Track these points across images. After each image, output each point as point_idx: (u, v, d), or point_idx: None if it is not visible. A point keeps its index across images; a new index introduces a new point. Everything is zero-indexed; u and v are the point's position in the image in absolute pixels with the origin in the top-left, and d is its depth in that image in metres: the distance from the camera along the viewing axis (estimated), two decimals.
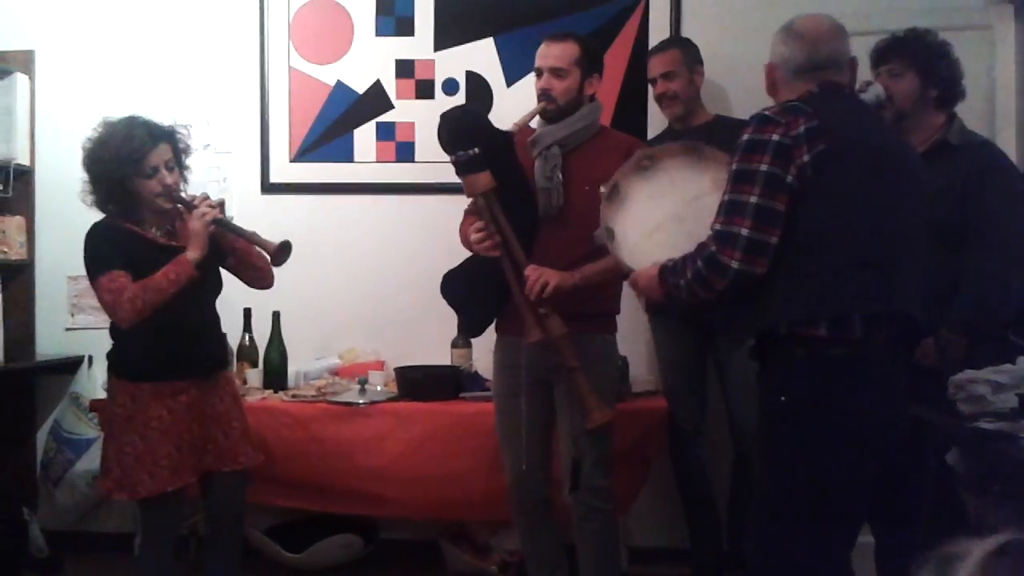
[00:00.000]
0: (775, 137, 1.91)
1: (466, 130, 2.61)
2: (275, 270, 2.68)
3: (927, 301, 2.12)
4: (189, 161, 2.68)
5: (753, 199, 1.90)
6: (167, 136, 2.58)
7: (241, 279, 2.73)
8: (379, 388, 3.23)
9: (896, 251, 2.01)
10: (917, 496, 2.60)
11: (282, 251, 2.58)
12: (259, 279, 2.71)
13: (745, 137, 1.96)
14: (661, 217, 2.24)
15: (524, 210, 2.61)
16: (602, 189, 2.34)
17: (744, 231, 1.90)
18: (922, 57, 2.62)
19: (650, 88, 3.30)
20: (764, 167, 1.90)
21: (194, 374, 2.59)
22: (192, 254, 2.49)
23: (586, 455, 2.60)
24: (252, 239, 2.61)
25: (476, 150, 2.49)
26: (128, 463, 2.52)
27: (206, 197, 2.58)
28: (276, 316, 3.36)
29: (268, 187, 3.67)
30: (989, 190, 2.53)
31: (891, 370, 2.04)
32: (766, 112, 1.97)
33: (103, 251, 2.51)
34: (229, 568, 2.71)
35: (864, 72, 2.64)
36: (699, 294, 1.98)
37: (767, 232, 1.90)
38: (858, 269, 1.95)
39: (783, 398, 1.98)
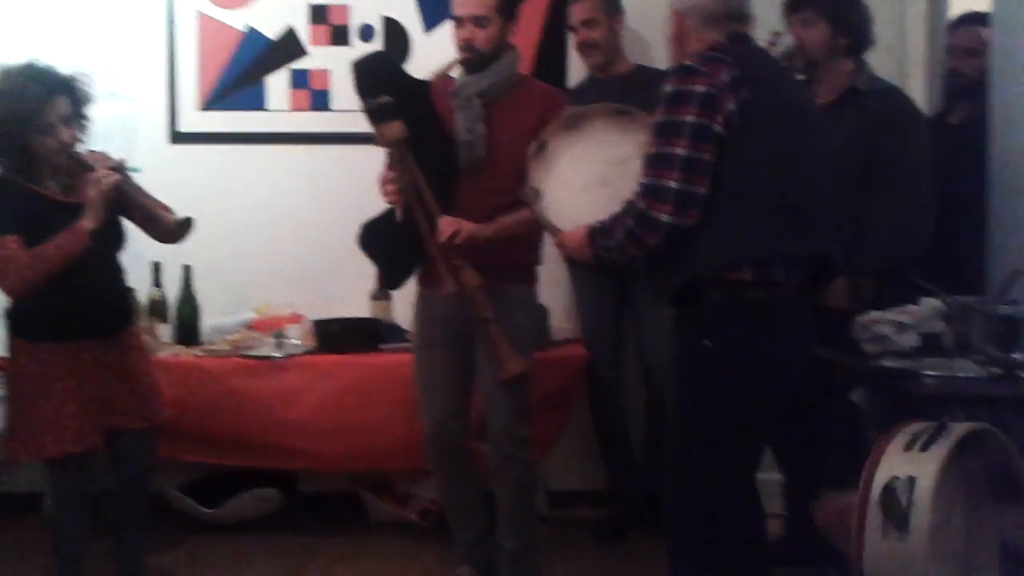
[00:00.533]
0: (700, 88, 1.93)
1: (378, 77, 2.55)
2: None
3: (839, 244, 2.20)
4: (93, 109, 2.56)
5: (681, 151, 1.91)
6: (65, 87, 2.45)
7: (146, 233, 2.62)
8: (296, 341, 3.18)
9: (813, 196, 2.07)
10: (824, 434, 2.69)
11: (180, 228, 2.52)
12: (164, 234, 2.61)
13: (669, 88, 1.96)
14: (587, 179, 2.26)
15: (441, 160, 2.57)
16: (531, 146, 2.34)
17: (673, 184, 1.91)
18: (833, 6, 2.66)
19: (570, 36, 3.27)
20: (691, 118, 1.92)
21: (97, 332, 2.51)
22: (87, 223, 2.39)
23: (500, 407, 2.60)
24: (151, 210, 2.52)
25: (387, 98, 2.44)
26: (33, 424, 2.45)
27: (106, 158, 2.48)
28: (187, 270, 3.26)
29: (177, 137, 3.53)
30: (896, 135, 2.60)
31: (805, 311, 2.13)
32: (688, 63, 1.98)
33: None
34: (137, 524, 2.67)
35: (775, 22, 2.68)
36: (631, 252, 2.01)
37: (696, 183, 1.92)
38: (782, 214, 2.00)
39: (707, 342, 2.01)
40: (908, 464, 1.10)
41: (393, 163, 2.51)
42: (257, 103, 3.50)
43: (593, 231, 2.07)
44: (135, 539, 2.68)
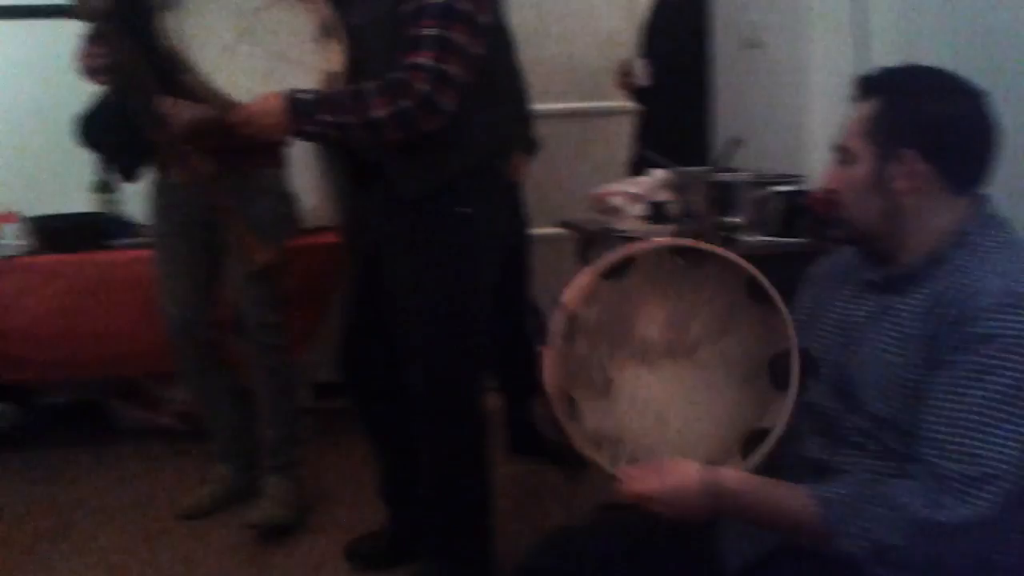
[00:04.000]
0: None
1: None
2: None
3: None
4: None
5: (460, 38, 1.81)
6: None
7: None
8: (12, 241, 2.87)
9: None
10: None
11: None
12: None
13: None
14: (227, 36, 1.97)
15: (154, 34, 2.32)
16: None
17: (457, 71, 1.82)
18: None
19: None
20: (467, 6, 1.82)
21: None
22: None
23: (250, 296, 2.50)
24: None
25: None
26: None
27: None
28: None
29: None
30: None
31: None
32: None
33: None
34: None
35: None
36: (387, 135, 1.84)
37: (468, 74, 1.84)
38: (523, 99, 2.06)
39: (468, 210, 1.97)
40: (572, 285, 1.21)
41: (100, 38, 2.24)
42: None
43: (297, 102, 1.85)
44: None
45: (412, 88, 1.80)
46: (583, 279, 1.22)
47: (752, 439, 1.26)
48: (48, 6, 2.93)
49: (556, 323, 1.21)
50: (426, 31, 1.81)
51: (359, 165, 2.08)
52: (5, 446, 3.07)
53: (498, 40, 1.99)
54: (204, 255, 2.52)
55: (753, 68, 2.65)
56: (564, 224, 2.67)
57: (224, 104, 1.90)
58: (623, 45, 3.29)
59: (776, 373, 1.27)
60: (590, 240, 2.55)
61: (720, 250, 1.23)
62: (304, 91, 1.87)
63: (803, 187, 2.26)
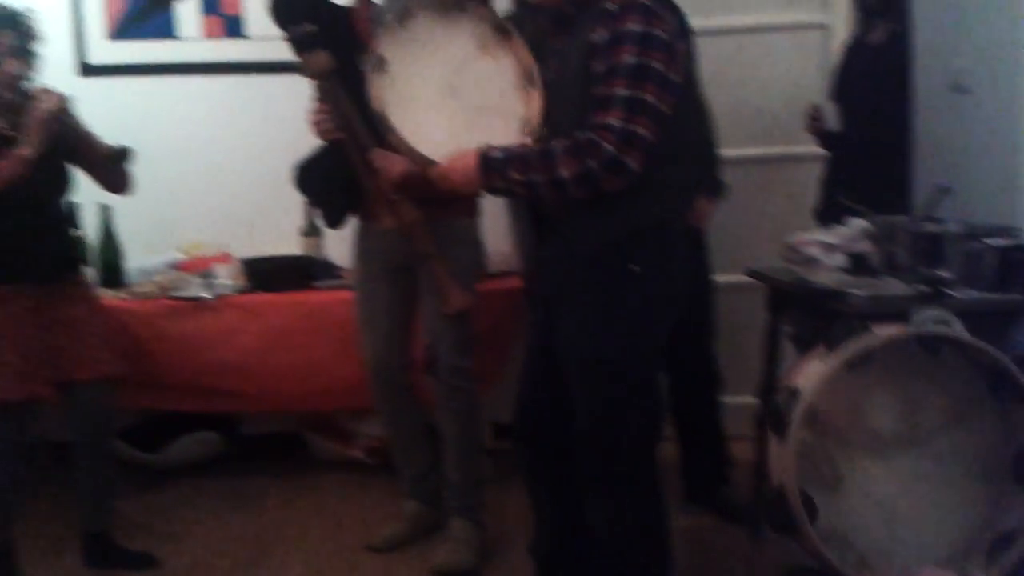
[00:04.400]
0: (663, 34, 1.86)
1: (295, 3, 2.44)
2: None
3: None
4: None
5: (651, 99, 1.83)
6: (8, 22, 2.42)
7: (92, 178, 2.61)
8: (226, 281, 3.10)
9: None
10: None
11: (116, 157, 2.51)
12: (113, 183, 2.60)
13: (637, 29, 1.85)
14: (432, 91, 2.02)
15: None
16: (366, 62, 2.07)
17: (646, 132, 1.82)
18: None
19: None
20: (659, 66, 1.84)
21: (34, 277, 2.48)
22: (26, 151, 2.35)
23: (444, 339, 2.59)
24: (87, 140, 2.51)
25: (311, 27, 2.34)
26: None
27: (47, 91, 2.45)
28: (106, 210, 3.13)
29: (86, 70, 3.37)
30: None
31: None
32: (645, 3, 1.88)
33: None
34: (97, 477, 2.62)
35: None
36: (572, 194, 1.86)
37: (656, 134, 1.84)
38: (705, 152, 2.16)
39: (635, 267, 1.96)
40: (808, 373, 1.13)
41: (322, 96, 2.41)
42: (168, 31, 3.35)
43: (489, 160, 1.90)
44: (96, 492, 2.63)
45: (599, 149, 1.80)
46: (822, 368, 1.16)
47: (999, 541, 1.19)
48: (271, 63, 3.17)
49: (792, 413, 1.16)
50: (618, 91, 1.82)
51: (539, 216, 2.12)
52: (210, 473, 3.29)
53: (686, 94, 1.98)
54: (402, 299, 2.65)
55: (960, 114, 2.54)
56: (752, 273, 2.62)
57: (423, 162, 1.99)
58: (812, 89, 3.23)
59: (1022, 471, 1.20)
60: (780, 292, 2.50)
61: (967, 337, 1.18)
62: (496, 148, 1.92)
63: (1019, 240, 2.15)
